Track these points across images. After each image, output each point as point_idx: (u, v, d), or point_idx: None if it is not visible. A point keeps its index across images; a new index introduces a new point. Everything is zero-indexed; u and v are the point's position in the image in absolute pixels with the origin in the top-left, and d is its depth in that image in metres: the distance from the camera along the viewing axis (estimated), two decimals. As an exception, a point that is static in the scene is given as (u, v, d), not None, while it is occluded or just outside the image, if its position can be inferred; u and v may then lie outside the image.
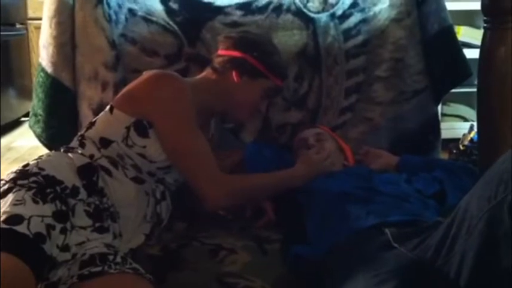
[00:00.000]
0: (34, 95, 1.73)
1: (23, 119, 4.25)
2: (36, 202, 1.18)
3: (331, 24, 1.91)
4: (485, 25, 1.49)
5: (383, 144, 1.87)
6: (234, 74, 1.56)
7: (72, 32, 1.68)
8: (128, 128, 1.41)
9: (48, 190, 1.22)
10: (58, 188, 1.24)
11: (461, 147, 2.90)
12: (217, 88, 1.57)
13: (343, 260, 1.21)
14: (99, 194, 1.32)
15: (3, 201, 1.18)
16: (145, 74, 1.50)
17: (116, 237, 1.31)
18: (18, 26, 4.33)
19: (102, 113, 1.49)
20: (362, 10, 1.92)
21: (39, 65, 1.72)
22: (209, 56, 1.69)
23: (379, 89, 1.91)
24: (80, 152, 1.39)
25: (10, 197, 1.18)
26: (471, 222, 0.99)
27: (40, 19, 1.74)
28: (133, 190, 1.39)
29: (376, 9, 1.91)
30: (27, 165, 1.31)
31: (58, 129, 1.71)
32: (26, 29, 4.38)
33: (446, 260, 1.03)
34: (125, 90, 1.50)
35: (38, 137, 1.74)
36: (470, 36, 3.12)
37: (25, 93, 4.14)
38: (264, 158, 1.68)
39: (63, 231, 1.18)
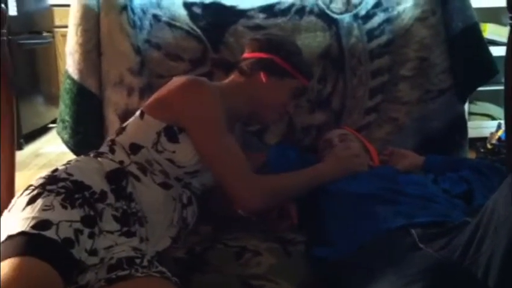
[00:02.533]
0: (61, 102, 1.75)
1: (50, 125, 4.32)
2: (64, 207, 1.20)
3: (355, 24, 1.91)
4: (510, 22, 1.47)
5: (409, 144, 1.85)
6: (262, 75, 1.56)
7: (97, 39, 1.71)
8: (158, 134, 1.42)
9: (77, 195, 1.24)
10: (86, 193, 1.26)
11: (488, 146, 2.87)
12: (246, 91, 1.58)
13: (368, 261, 1.20)
14: (127, 199, 1.33)
15: (32, 206, 1.19)
16: (176, 80, 1.51)
17: (143, 241, 1.32)
18: (45, 34, 4.40)
19: (132, 118, 1.50)
20: (385, 10, 1.91)
21: (66, 71, 1.75)
22: (234, 60, 1.69)
23: (404, 88, 1.90)
24: (110, 157, 1.41)
25: (39, 202, 1.20)
26: (498, 222, 0.97)
27: (66, 27, 1.77)
28: (161, 196, 1.40)
29: (400, 8, 1.90)
30: (55, 170, 1.33)
31: (85, 134, 1.73)
32: (53, 36, 4.46)
33: (474, 261, 1.01)
34: (155, 95, 1.51)
35: (66, 143, 1.76)
36: (496, 33, 3.08)
37: (52, 100, 4.21)
38: (288, 160, 1.68)
39: (91, 235, 1.20)
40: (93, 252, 1.19)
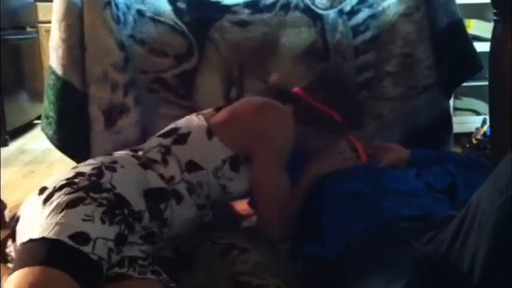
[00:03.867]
0: (45, 98, 1.73)
1: (35, 121, 4.28)
2: (103, 222, 1.15)
3: (340, 20, 1.91)
4: (495, 18, 1.48)
5: (394, 140, 1.86)
6: (318, 127, 1.54)
7: (81, 34, 1.69)
8: (223, 161, 1.39)
9: (117, 211, 1.19)
10: (126, 210, 1.21)
11: (474, 141, 2.89)
12: (298, 132, 1.51)
13: (355, 258, 1.21)
14: (161, 223, 1.30)
15: (71, 211, 1.14)
16: (250, 102, 1.49)
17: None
18: (28, 29, 4.37)
19: (194, 129, 1.44)
20: (370, 6, 1.92)
21: (49, 67, 1.73)
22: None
23: (389, 84, 1.91)
24: (160, 171, 1.35)
25: (80, 209, 1.15)
26: (483, 216, 0.98)
27: (50, 22, 1.75)
28: (193, 216, 1.39)
29: (385, 4, 1.91)
30: (100, 172, 1.25)
31: (70, 130, 1.71)
32: (37, 32, 4.42)
33: (460, 255, 1.02)
34: (228, 116, 1.45)
35: (50, 139, 1.74)
36: (480, 29, 3.10)
37: (37, 96, 4.17)
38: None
39: (119, 252, 1.17)
40: (115, 264, 1.17)
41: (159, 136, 1.47)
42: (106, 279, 1.14)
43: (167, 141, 1.42)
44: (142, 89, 1.80)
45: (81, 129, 1.70)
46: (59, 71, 1.69)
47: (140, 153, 1.40)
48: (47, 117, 1.73)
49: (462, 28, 1.92)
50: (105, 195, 1.20)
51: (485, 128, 2.89)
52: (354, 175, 1.52)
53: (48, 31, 3.95)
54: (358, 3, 1.91)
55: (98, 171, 1.26)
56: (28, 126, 4.24)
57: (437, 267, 1.06)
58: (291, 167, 1.57)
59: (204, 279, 1.30)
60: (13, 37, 3.96)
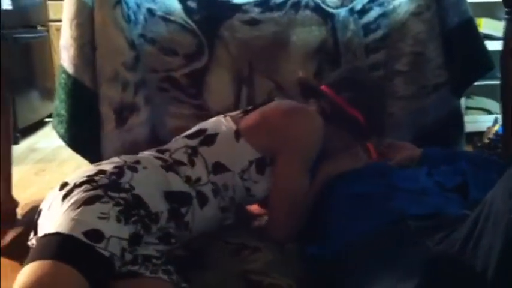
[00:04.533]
0: (56, 96, 1.74)
1: (46, 119, 4.31)
2: (118, 221, 1.15)
3: (350, 19, 1.90)
4: (506, 16, 1.47)
5: (406, 139, 1.84)
6: (344, 130, 1.53)
7: (91, 33, 1.69)
8: (250, 162, 1.39)
9: (134, 212, 1.19)
10: (143, 211, 1.21)
11: (485, 141, 2.87)
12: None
13: (364, 258, 1.20)
14: (181, 226, 1.30)
15: (88, 208, 1.14)
16: (280, 105, 1.49)
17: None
18: (39, 28, 4.39)
19: (222, 130, 1.44)
20: (381, 4, 1.91)
21: (61, 66, 1.74)
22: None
23: (399, 83, 1.90)
24: (186, 172, 1.35)
25: (96, 207, 1.15)
26: (497, 216, 0.98)
27: (61, 21, 1.75)
28: (217, 219, 1.40)
29: (396, 3, 1.90)
30: (121, 172, 1.26)
31: (80, 129, 1.72)
32: (47, 31, 4.44)
33: (473, 254, 1.02)
34: (257, 118, 1.45)
35: (62, 137, 1.75)
36: (491, 28, 3.09)
37: (48, 95, 4.20)
38: None
39: (133, 251, 1.17)
40: (128, 262, 1.17)
41: (186, 137, 1.47)
42: (117, 276, 1.14)
43: (194, 142, 1.42)
44: (153, 88, 1.80)
45: (92, 128, 1.71)
46: (70, 69, 1.70)
47: (167, 154, 1.39)
48: (58, 115, 1.73)
49: (473, 27, 1.91)
50: (123, 195, 1.20)
51: (497, 127, 2.87)
52: (364, 174, 1.51)
53: (58, 30, 3.97)
54: (369, 2, 1.90)
55: (119, 170, 1.26)
56: (39, 125, 4.26)
57: (451, 266, 1.05)
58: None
59: (216, 278, 1.30)
60: (24, 36, 3.98)
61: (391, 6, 1.90)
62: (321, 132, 1.44)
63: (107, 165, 1.29)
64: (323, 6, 1.90)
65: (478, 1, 2.95)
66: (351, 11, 1.90)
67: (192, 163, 1.36)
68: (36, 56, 4.33)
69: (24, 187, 2.74)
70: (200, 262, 1.35)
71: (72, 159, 1.70)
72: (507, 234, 0.95)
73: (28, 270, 1.04)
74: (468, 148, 2.50)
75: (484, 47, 1.91)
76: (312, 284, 1.30)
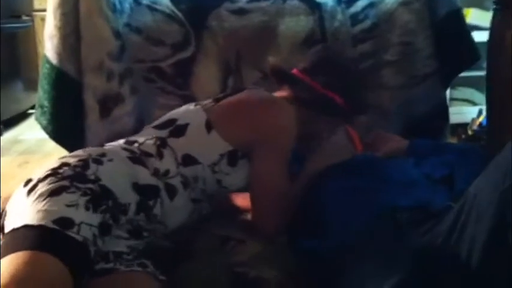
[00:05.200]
0: (39, 87, 1.72)
1: (30, 111, 4.26)
2: (87, 209, 1.14)
3: (338, 8, 1.90)
4: (494, 7, 1.47)
5: (393, 129, 1.85)
6: (318, 110, 1.52)
7: (76, 23, 1.67)
8: (221, 156, 1.37)
9: (102, 202, 1.18)
10: (111, 202, 1.20)
11: (469, 132, 2.89)
12: (299, 117, 1.48)
13: (353, 251, 1.20)
14: (150, 218, 1.29)
15: (55, 199, 1.13)
16: (251, 96, 1.47)
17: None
18: (24, 17, 4.33)
19: (192, 121, 1.42)
20: (369, -7, 1.90)
21: (44, 56, 1.71)
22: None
23: (388, 73, 1.89)
24: (154, 164, 1.33)
25: (64, 197, 1.14)
26: (481, 208, 0.98)
27: (46, 10, 1.73)
28: (189, 210, 1.38)
29: (384, -8, 1.89)
30: (86, 162, 1.25)
31: (64, 120, 1.70)
32: (32, 20, 4.38)
33: (457, 246, 1.02)
34: (229, 110, 1.44)
35: (44, 128, 1.73)
36: (479, 18, 3.09)
37: (32, 85, 4.13)
38: None
39: (104, 242, 1.16)
40: (103, 257, 1.16)
41: (155, 127, 1.45)
42: (93, 275, 1.13)
43: (163, 133, 1.40)
44: (139, 79, 1.79)
45: (76, 119, 1.68)
46: (54, 59, 1.68)
47: (135, 145, 1.37)
48: (41, 106, 1.71)
49: (461, 18, 1.91)
50: (89, 185, 1.19)
51: (482, 118, 2.89)
52: (350, 166, 1.51)
53: (43, 19, 3.93)
54: (357, -9, 1.90)
55: (84, 163, 1.25)
56: (22, 116, 4.22)
57: (435, 258, 1.06)
58: (293, 161, 1.56)
59: (201, 270, 1.29)
60: (8, 25, 3.93)
61: (378, -4, 1.89)
62: (293, 122, 1.42)
63: (71, 159, 1.27)
64: (311, -5, 1.89)
65: (466, -9, 2.96)
66: (339, 0, 1.90)
67: (160, 155, 1.34)
68: (21, 46, 4.28)
69: (7, 179, 2.71)
70: (186, 254, 1.34)
71: (56, 151, 1.68)
72: (491, 227, 0.96)
73: (3, 266, 1.01)
74: (452, 140, 2.51)
75: (471, 38, 1.91)
76: (299, 277, 1.30)
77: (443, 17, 1.86)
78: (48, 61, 1.69)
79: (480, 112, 2.99)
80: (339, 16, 1.89)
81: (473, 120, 2.98)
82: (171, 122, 1.44)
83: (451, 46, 1.88)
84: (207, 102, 1.50)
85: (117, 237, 1.21)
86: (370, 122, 1.87)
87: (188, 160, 1.35)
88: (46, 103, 1.70)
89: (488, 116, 1.59)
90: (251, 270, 1.28)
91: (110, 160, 1.29)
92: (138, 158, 1.33)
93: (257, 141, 1.38)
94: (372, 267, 1.11)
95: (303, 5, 1.88)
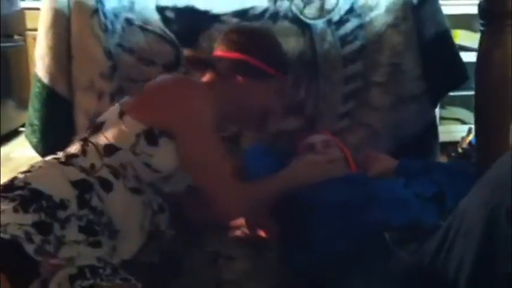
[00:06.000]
0: (30, 105, 1.72)
1: (21, 129, 4.25)
2: (16, 211, 1.15)
3: (328, 30, 1.91)
4: (481, 28, 1.49)
5: (382, 149, 1.86)
6: (238, 77, 1.51)
7: (68, 43, 1.68)
8: (138, 136, 1.36)
9: (32, 203, 1.18)
10: (44, 202, 1.20)
11: (459, 151, 2.90)
12: (224, 93, 1.50)
13: (343, 269, 1.20)
14: (92, 211, 1.28)
15: None
16: (160, 79, 1.47)
17: (109, 252, 1.27)
18: (16, 37, 4.33)
19: (108, 116, 1.44)
20: (358, 16, 1.92)
21: (36, 75, 1.72)
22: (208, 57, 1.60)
23: (376, 94, 1.91)
24: (79, 163, 1.35)
25: None
26: (469, 226, 0.98)
27: (37, 30, 1.74)
28: (131, 201, 1.37)
29: (373, 14, 1.91)
30: (15, 178, 1.27)
31: (54, 139, 1.70)
32: (24, 40, 4.39)
33: (445, 264, 1.02)
34: (139, 96, 1.45)
35: (35, 147, 1.73)
36: (468, 39, 3.13)
37: (24, 104, 4.10)
38: (264, 164, 1.67)
39: (44, 242, 1.14)
40: (77, 276, 1.12)
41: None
42: None
43: (86, 134, 1.42)
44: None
45: (66, 138, 1.68)
46: (45, 79, 1.68)
47: (61, 153, 1.40)
48: (32, 125, 1.71)
49: (449, 38, 1.93)
50: (18, 192, 1.20)
51: (471, 137, 2.90)
52: (342, 185, 1.52)
53: (35, 39, 3.93)
54: (346, 13, 1.91)
55: (12, 177, 1.28)
56: (14, 134, 4.21)
57: (423, 275, 1.06)
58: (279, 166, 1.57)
59: (190, 287, 1.29)
60: (0, 45, 3.93)
61: (368, 18, 1.91)
62: (205, 98, 1.42)
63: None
64: (301, 17, 1.91)
65: (455, 13, 2.99)
66: (329, 22, 1.91)
67: (84, 153, 1.36)
68: (13, 65, 4.27)
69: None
70: (174, 270, 1.34)
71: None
72: (479, 244, 0.96)
73: None
74: (442, 158, 2.52)
75: (459, 58, 1.93)
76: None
77: (431, 37, 1.88)
78: (39, 80, 1.70)
79: (469, 131, 3.01)
80: (329, 37, 1.90)
81: (463, 138, 2.99)
82: (92, 124, 1.46)
83: (440, 66, 1.90)
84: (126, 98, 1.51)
85: (75, 242, 1.20)
86: (360, 141, 1.88)
87: (109, 149, 1.36)
88: (36, 121, 1.70)
89: (477, 134, 1.60)
90: (240, 289, 1.28)
91: (40, 167, 1.33)
92: (64, 161, 1.35)
93: (170, 119, 1.38)
94: (361, 286, 1.11)
95: (293, 26, 1.90)
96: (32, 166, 1.34)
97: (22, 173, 1.30)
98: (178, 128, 1.37)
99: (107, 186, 1.33)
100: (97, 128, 1.41)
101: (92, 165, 1.35)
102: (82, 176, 1.32)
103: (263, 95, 1.55)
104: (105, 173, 1.35)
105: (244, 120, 1.61)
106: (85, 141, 1.39)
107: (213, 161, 1.40)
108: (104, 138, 1.38)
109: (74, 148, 1.39)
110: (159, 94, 1.43)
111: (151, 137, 1.37)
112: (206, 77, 1.55)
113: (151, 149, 1.37)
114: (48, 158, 1.40)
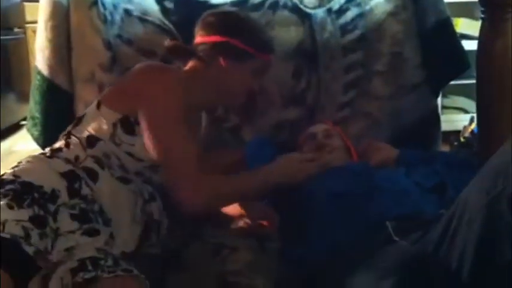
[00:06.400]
0: (31, 98, 1.72)
1: (23, 122, 4.25)
2: (11, 207, 1.15)
3: (328, 19, 1.90)
4: (482, 16, 1.49)
5: (383, 139, 1.85)
6: (220, 60, 1.50)
7: (67, 35, 1.68)
8: (114, 125, 1.37)
9: (25, 196, 1.19)
10: (36, 194, 1.21)
11: (461, 140, 2.90)
12: (207, 78, 1.51)
13: (344, 258, 1.21)
14: (83, 200, 1.29)
15: None
16: (135, 67, 1.47)
17: (108, 242, 1.26)
18: (16, 30, 4.33)
19: (89, 109, 1.45)
20: (358, 4, 1.91)
21: (36, 68, 1.72)
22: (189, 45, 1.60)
23: (377, 83, 1.90)
24: (64, 155, 1.36)
25: None
26: (471, 214, 0.98)
27: (37, 23, 1.74)
28: (120, 190, 1.37)
29: (373, 3, 1.90)
30: (2, 175, 1.28)
31: (55, 131, 1.69)
32: (24, 32, 4.38)
33: (448, 253, 1.03)
34: (113, 86, 1.48)
35: (36, 140, 1.73)
36: (469, 28, 3.12)
37: (25, 97, 4.12)
38: (265, 156, 1.66)
39: (42, 236, 1.15)
40: (77, 269, 1.14)
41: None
42: (76, 286, 1.11)
43: (69, 128, 1.44)
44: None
45: (67, 130, 1.69)
46: (45, 71, 1.68)
47: (47, 149, 1.42)
48: (33, 118, 1.71)
49: (450, 27, 1.92)
50: (9, 186, 1.21)
51: (473, 126, 2.90)
52: (343, 174, 1.52)
53: (35, 31, 3.92)
54: (346, 2, 1.90)
55: (1, 174, 1.28)
56: (16, 127, 4.21)
57: (426, 265, 1.06)
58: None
59: (192, 279, 1.29)
60: (1, 38, 3.93)
61: (368, 7, 1.90)
62: (175, 82, 1.42)
63: None
64: (301, 6, 1.90)
65: (455, 1, 2.98)
66: (329, 11, 1.90)
67: (67, 145, 1.38)
68: (13, 58, 4.27)
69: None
70: (177, 262, 1.34)
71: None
72: (481, 233, 0.96)
73: None
74: (444, 147, 2.52)
75: (461, 46, 1.93)
76: (291, 285, 1.30)
77: (432, 26, 1.87)
78: (39, 73, 1.69)
79: (472, 120, 3.00)
80: (329, 27, 1.89)
81: (465, 127, 2.99)
82: (78, 119, 1.46)
83: (441, 55, 1.90)
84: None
85: (69, 232, 1.20)
86: (361, 131, 1.88)
87: (91, 140, 1.38)
88: (37, 114, 1.70)
89: (478, 123, 1.60)
90: (243, 279, 1.28)
91: (28, 161, 1.34)
92: (50, 155, 1.37)
93: (138, 100, 1.38)
94: (363, 276, 1.11)
95: (293, 16, 1.89)
96: (20, 162, 1.35)
97: (11, 168, 1.31)
98: (143, 113, 1.37)
99: (93, 175, 1.34)
100: (79, 120, 1.43)
101: (77, 157, 1.36)
102: (69, 167, 1.33)
103: (246, 75, 1.54)
104: (89, 163, 1.36)
105: (231, 102, 1.60)
106: (68, 134, 1.41)
107: (176, 148, 1.37)
108: (85, 131, 1.39)
109: (59, 143, 1.41)
110: (131, 81, 1.44)
111: (127, 125, 1.38)
112: (189, 65, 1.55)
113: (131, 138, 1.38)
114: (35, 154, 1.42)
